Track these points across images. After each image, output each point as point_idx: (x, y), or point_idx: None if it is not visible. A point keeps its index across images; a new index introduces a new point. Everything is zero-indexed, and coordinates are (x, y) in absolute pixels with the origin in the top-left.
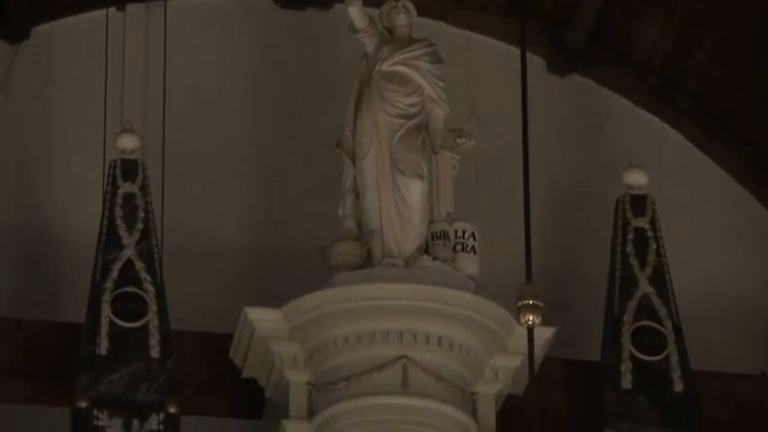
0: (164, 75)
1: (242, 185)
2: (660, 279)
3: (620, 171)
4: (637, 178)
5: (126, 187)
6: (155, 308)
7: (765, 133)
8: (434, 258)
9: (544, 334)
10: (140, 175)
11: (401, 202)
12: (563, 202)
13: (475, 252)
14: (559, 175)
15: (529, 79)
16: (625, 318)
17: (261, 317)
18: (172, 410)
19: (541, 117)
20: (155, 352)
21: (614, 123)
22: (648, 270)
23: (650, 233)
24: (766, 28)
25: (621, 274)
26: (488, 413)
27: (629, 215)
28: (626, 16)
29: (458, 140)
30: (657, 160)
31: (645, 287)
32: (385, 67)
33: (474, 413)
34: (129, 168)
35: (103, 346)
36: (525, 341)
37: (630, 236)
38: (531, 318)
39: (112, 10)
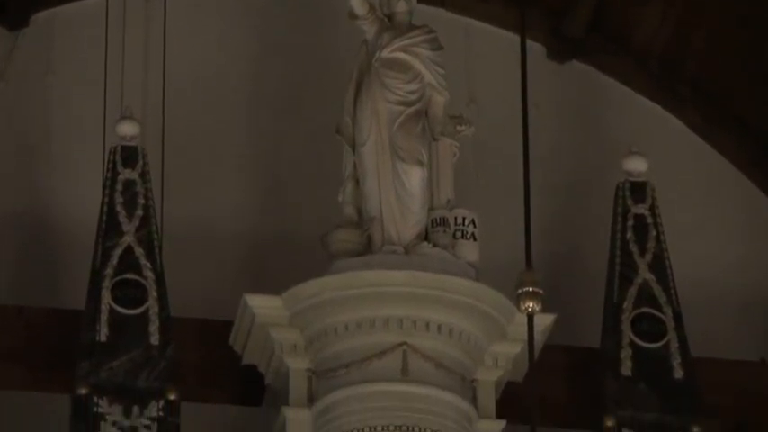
0: (163, 61)
1: (242, 172)
2: (660, 266)
3: (619, 158)
4: (636, 165)
5: (126, 174)
6: (155, 294)
7: (765, 120)
8: (434, 245)
9: (544, 321)
10: (140, 162)
11: (401, 189)
12: (563, 189)
13: (475, 239)
14: (559, 161)
15: (529, 66)
16: (625, 305)
17: (261, 304)
18: (172, 397)
19: (541, 104)
20: (155, 339)
21: (614, 110)
22: (648, 257)
23: (650, 220)
24: (766, 15)
25: (621, 261)
26: (488, 400)
27: (629, 202)
28: (626, 3)
29: (458, 127)
30: (657, 147)
31: (645, 274)
32: (385, 53)
33: (474, 400)
34: (128, 155)
35: (103, 333)
36: (525, 328)
37: (630, 222)
38: (530, 305)
39: None
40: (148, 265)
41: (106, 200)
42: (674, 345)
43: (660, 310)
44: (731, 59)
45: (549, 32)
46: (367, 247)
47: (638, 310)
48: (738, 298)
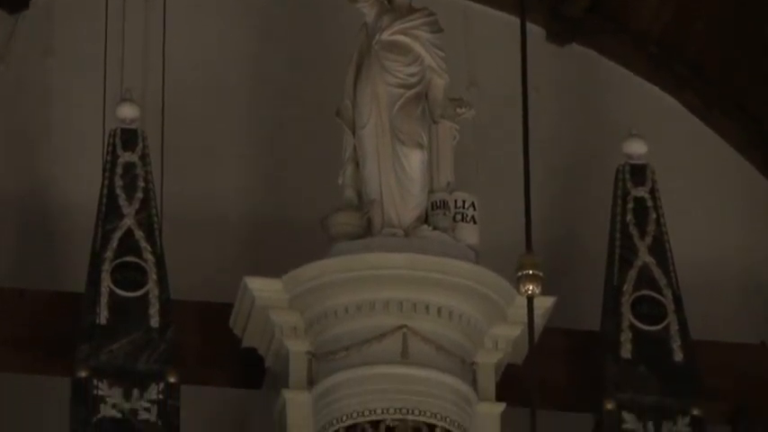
0: (163, 44)
1: (242, 155)
2: (660, 248)
3: (619, 140)
4: (636, 148)
5: (126, 157)
6: (154, 277)
7: (765, 102)
8: (434, 228)
9: (544, 303)
10: (140, 145)
11: (401, 172)
12: (563, 172)
13: (475, 222)
14: (559, 144)
15: (528, 49)
16: (625, 287)
17: (261, 286)
18: (172, 380)
19: (541, 86)
20: (154, 321)
21: (614, 93)
22: (648, 239)
23: (650, 203)
24: None
25: (621, 244)
26: (488, 383)
27: (629, 185)
28: None
29: (458, 110)
30: (657, 129)
31: (645, 257)
32: (385, 36)
33: (474, 383)
34: (128, 138)
35: (103, 316)
36: (525, 311)
37: (630, 205)
38: (530, 287)
39: None
40: (148, 247)
41: (106, 183)
42: (674, 327)
43: (660, 292)
44: (731, 41)
45: (549, 12)
46: (367, 230)
47: (637, 293)
48: (738, 281)
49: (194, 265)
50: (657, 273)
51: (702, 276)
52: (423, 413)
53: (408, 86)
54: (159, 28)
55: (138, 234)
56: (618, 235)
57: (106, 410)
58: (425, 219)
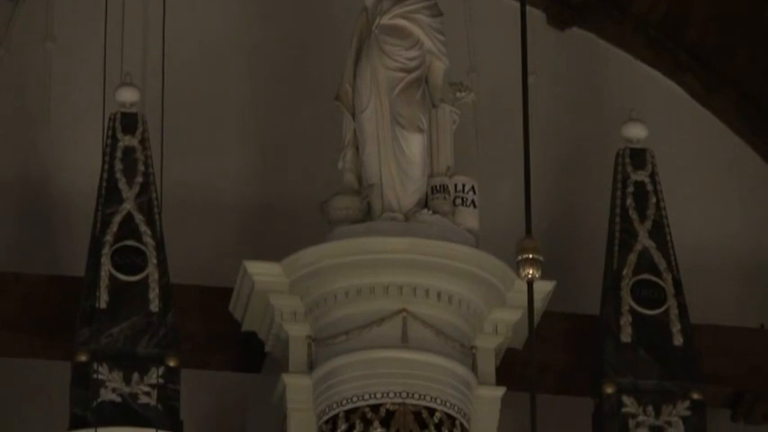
0: (163, 28)
1: (242, 139)
2: (660, 232)
3: (619, 124)
4: (636, 132)
5: (125, 141)
6: (154, 261)
7: (765, 86)
8: (434, 212)
9: (544, 288)
10: (140, 129)
11: (401, 156)
12: (563, 156)
13: (475, 206)
14: (559, 128)
15: (529, 33)
16: (625, 271)
17: (260, 270)
18: (171, 364)
19: (541, 71)
20: (154, 305)
21: (614, 77)
22: (648, 224)
23: (650, 187)
24: None
25: (621, 228)
26: (488, 367)
27: (629, 169)
28: None
29: (458, 94)
30: (657, 114)
31: (644, 241)
32: (384, 20)
33: (474, 367)
34: (128, 122)
35: (103, 300)
36: (525, 295)
37: (630, 189)
38: (530, 272)
39: None
40: (148, 231)
41: (106, 166)
42: (674, 311)
43: (660, 276)
44: (731, 25)
45: None
46: (367, 214)
47: (637, 277)
48: (738, 264)
49: (194, 248)
50: (657, 257)
51: (702, 260)
52: (423, 397)
53: (408, 70)
54: (159, 12)
55: (138, 218)
56: (618, 219)
57: (106, 394)
58: (425, 203)
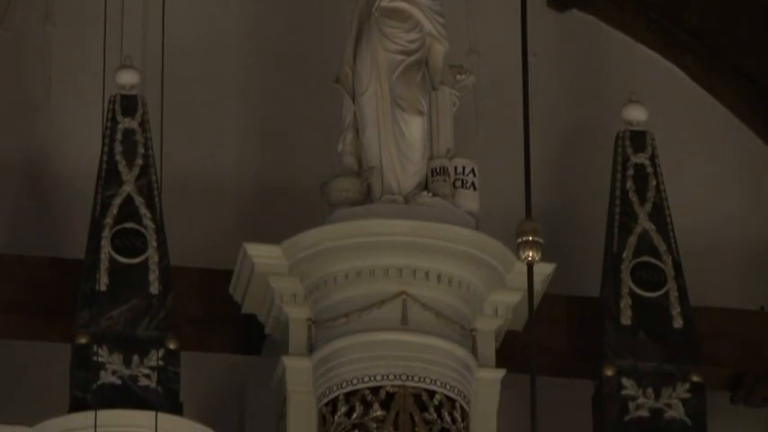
0: (163, 10)
1: (242, 121)
2: (660, 215)
3: (619, 107)
4: (636, 114)
5: (125, 123)
6: (154, 244)
7: (766, 68)
8: (434, 195)
9: (544, 270)
10: (140, 111)
11: (401, 139)
12: (563, 138)
13: (475, 188)
14: (559, 110)
15: (529, 15)
16: (624, 254)
17: (260, 253)
18: (171, 346)
19: (541, 53)
20: (154, 288)
21: (614, 59)
22: (648, 206)
23: (650, 169)
24: None
25: (621, 211)
26: (488, 349)
27: (629, 151)
28: None
29: (458, 77)
30: (657, 96)
31: (644, 223)
32: (384, 3)
33: (473, 349)
34: (128, 104)
35: (103, 283)
36: (525, 277)
37: (630, 172)
38: (530, 254)
39: None
40: (148, 214)
41: (106, 149)
42: (674, 294)
43: (660, 259)
44: (731, 7)
45: None
46: (367, 197)
47: (637, 260)
48: (738, 247)
49: (194, 231)
50: (657, 239)
51: (702, 242)
52: (422, 380)
53: (408, 53)
54: None
55: (138, 200)
56: (618, 201)
57: (106, 377)
58: (425, 185)
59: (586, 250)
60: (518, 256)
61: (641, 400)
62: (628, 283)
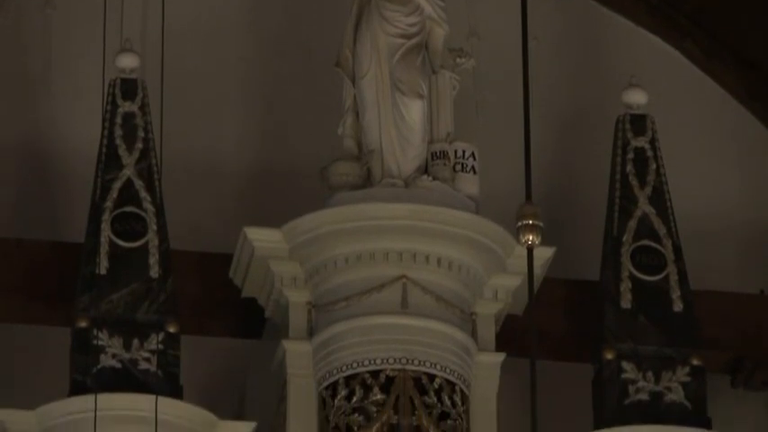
0: None
1: (241, 105)
2: (660, 199)
3: (620, 90)
4: (637, 98)
5: (125, 106)
6: (154, 227)
7: (765, 52)
8: (434, 178)
9: (544, 254)
10: (140, 95)
11: (401, 122)
12: (563, 122)
13: (475, 172)
14: (559, 94)
15: None
16: (624, 238)
17: (260, 236)
18: (171, 330)
19: (541, 36)
20: (154, 272)
21: (614, 43)
22: (648, 190)
23: (650, 153)
24: None
25: (621, 194)
26: (488, 333)
27: (629, 135)
28: None
29: (458, 60)
30: (658, 80)
31: (644, 207)
32: None
33: (473, 333)
34: (128, 87)
35: (103, 266)
36: (525, 261)
37: (630, 155)
38: (530, 237)
39: None
40: (148, 197)
41: (106, 132)
42: (674, 277)
43: (660, 242)
44: None
45: None
46: (367, 180)
47: (637, 243)
48: (738, 230)
49: (194, 214)
50: (657, 223)
51: (702, 226)
52: (422, 363)
53: (408, 36)
54: None
55: (138, 184)
56: (618, 185)
57: (106, 360)
58: (425, 169)
59: (586, 234)
60: (518, 240)
61: (641, 383)
62: (628, 266)
